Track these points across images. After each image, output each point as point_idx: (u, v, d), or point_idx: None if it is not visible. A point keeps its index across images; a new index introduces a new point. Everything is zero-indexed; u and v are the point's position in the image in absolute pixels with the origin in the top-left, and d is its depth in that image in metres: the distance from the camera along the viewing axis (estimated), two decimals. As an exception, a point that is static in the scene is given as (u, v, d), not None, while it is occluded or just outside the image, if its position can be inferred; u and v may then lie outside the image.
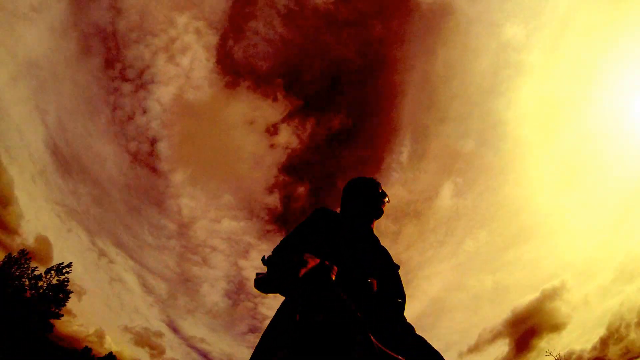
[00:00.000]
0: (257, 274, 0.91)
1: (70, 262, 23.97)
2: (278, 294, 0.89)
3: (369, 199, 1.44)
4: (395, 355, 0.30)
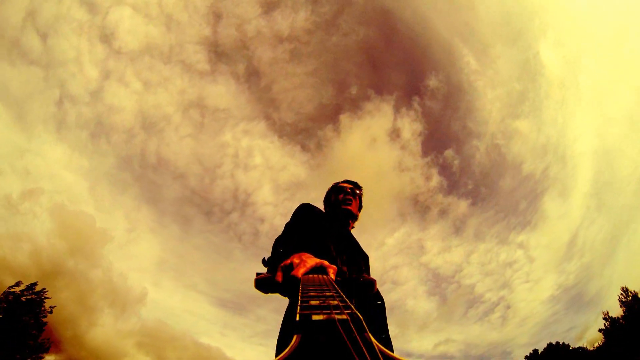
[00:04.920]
0: (258, 274, 0.91)
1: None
2: (279, 295, 0.89)
3: (335, 212, 1.65)
4: (395, 356, 0.29)
